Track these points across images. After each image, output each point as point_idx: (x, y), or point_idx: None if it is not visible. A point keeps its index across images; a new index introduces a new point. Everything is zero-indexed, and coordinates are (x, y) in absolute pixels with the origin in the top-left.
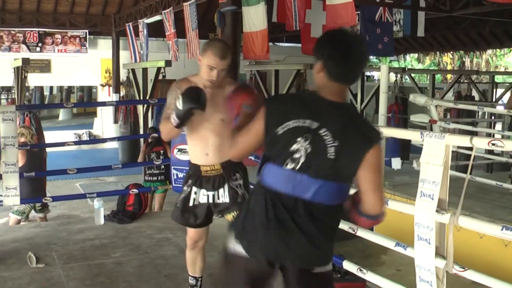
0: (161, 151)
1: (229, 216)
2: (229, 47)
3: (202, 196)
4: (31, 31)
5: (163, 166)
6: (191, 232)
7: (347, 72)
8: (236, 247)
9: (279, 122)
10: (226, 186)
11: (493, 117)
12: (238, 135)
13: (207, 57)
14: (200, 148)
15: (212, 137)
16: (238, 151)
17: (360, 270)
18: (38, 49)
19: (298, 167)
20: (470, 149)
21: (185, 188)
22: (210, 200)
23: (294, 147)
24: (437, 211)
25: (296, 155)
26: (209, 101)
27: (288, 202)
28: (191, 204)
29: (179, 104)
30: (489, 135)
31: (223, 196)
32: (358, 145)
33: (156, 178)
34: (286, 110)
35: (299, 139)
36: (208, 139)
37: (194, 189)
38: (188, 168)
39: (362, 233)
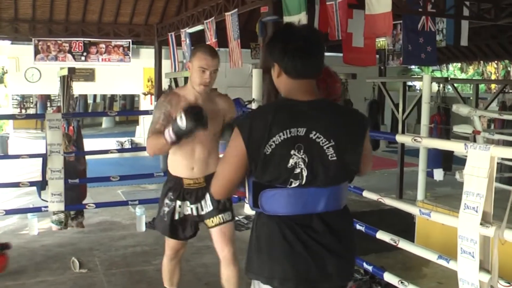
0: None
1: (209, 222)
2: (215, 50)
3: (186, 208)
4: (77, 40)
5: None
6: (173, 243)
7: (307, 64)
8: None
9: (263, 141)
10: (207, 196)
11: None
12: (218, 169)
13: (197, 59)
14: (186, 161)
15: (199, 151)
16: (223, 188)
17: (401, 282)
18: (83, 58)
19: (304, 182)
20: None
21: (167, 201)
22: (194, 213)
23: (291, 162)
24: (481, 224)
25: (297, 170)
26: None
27: (303, 222)
28: (177, 217)
29: (181, 123)
30: None
31: (206, 206)
32: (354, 137)
33: None
34: (265, 126)
35: (292, 152)
36: (195, 153)
37: (178, 202)
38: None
39: (403, 244)
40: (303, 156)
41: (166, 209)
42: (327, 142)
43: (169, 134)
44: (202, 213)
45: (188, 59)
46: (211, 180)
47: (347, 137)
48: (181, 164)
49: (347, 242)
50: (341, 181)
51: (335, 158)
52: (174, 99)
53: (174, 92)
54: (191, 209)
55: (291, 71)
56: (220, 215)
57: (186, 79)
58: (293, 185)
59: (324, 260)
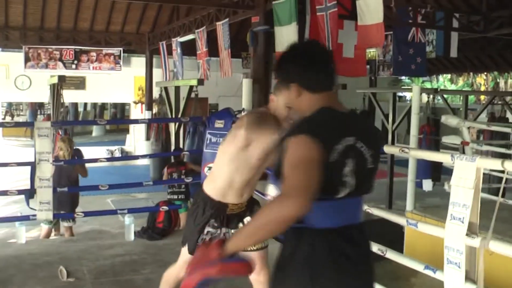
0: (183, 171)
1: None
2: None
3: (230, 235)
4: (68, 48)
5: (183, 185)
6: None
7: (328, 75)
8: None
9: (330, 148)
10: (247, 219)
11: None
12: (298, 178)
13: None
14: (239, 189)
15: (255, 178)
16: (310, 197)
17: None
18: (73, 66)
19: (350, 190)
20: (504, 171)
21: (210, 229)
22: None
23: (345, 170)
24: (467, 234)
25: (347, 179)
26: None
27: (347, 235)
28: None
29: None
30: None
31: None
32: (378, 147)
33: (176, 197)
34: (330, 134)
35: (346, 160)
36: (251, 181)
37: (223, 230)
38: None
39: (391, 255)
40: (353, 165)
41: (208, 237)
42: (368, 151)
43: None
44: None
45: (181, 68)
46: (250, 202)
47: (376, 146)
48: (234, 191)
49: (370, 254)
50: (371, 190)
51: (372, 166)
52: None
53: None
54: (231, 233)
55: (316, 85)
56: None
57: (177, 88)
58: (340, 194)
59: (367, 276)
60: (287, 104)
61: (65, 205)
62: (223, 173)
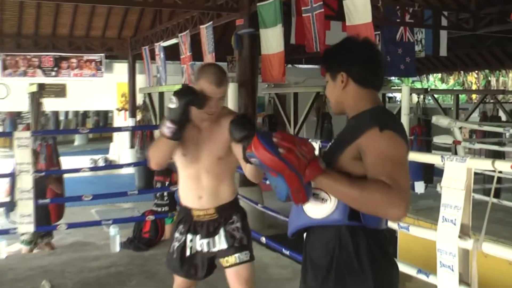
0: (167, 182)
1: (223, 261)
2: (224, 72)
3: (198, 243)
4: (47, 55)
5: (166, 197)
6: (180, 281)
7: (381, 73)
8: None
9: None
10: (221, 231)
11: None
12: (406, 180)
13: (202, 85)
14: (192, 189)
15: (206, 178)
16: (408, 202)
17: None
18: (53, 73)
19: None
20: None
21: (177, 235)
22: (205, 249)
23: None
24: (459, 236)
25: None
26: (205, 137)
27: (387, 238)
28: (188, 253)
29: (173, 102)
30: None
31: (219, 242)
32: None
33: (160, 209)
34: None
35: None
36: (201, 180)
37: (189, 236)
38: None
39: None
40: None
41: (176, 244)
42: None
43: (166, 125)
44: (214, 249)
45: (164, 73)
46: (224, 211)
47: None
48: (188, 192)
49: None
50: None
51: None
52: None
53: None
54: (202, 244)
55: (368, 79)
56: (236, 255)
57: (160, 94)
58: None
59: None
60: (329, 96)
61: (45, 219)
62: (180, 174)
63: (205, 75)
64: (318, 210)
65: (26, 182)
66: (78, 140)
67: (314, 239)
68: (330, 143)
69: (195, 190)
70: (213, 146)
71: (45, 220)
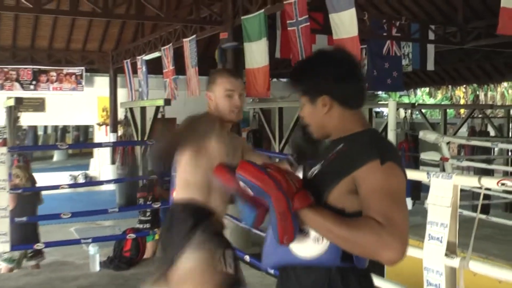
0: (150, 197)
1: None
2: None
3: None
4: (25, 68)
5: (149, 213)
6: None
7: (364, 88)
8: None
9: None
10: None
11: (510, 154)
12: (394, 216)
13: (221, 83)
14: (222, 201)
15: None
16: (406, 244)
17: None
18: (32, 87)
19: None
20: (487, 187)
21: (230, 260)
22: None
23: None
24: (446, 255)
25: None
26: (233, 147)
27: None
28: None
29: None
30: (506, 173)
31: None
32: None
33: (142, 226)
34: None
35: None
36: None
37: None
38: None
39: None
40: None
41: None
42: None
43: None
44: None
45: (146, 88)
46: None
47: None
48: (216, 195)
49: None
50: None
51: None
52: (217, 128)
53: (214, 120)
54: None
55: (353, 99)
56: None
57: (142, 108)
58: None
59: None
60: (308, 120)
61: (32, 237)
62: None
63: (218, 75)
64: (307, 249)
65: (2, 199)
66: (57, 155)
67: (295, 279)
68: (312, 171)
69: (223, 195)
70: (237, 154)
71: (33, 238)
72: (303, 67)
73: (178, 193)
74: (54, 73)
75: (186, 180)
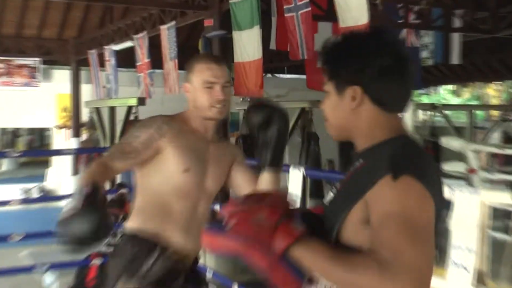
0: (121, 215)
1: None
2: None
3: None
4: None
5: (119, 235)
6: None
7: (411, 87)
8: None
9: (438, 205)
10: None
11: None
12: (413, 254)
13: (199, 72)
14: (182, 219)
15: (200, 211)
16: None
17: None
18: None
19: None
20: None
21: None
22: None
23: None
24: (473, 285)
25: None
26: (212, 152)
27: None
28: None
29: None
30: None
31: None
32: None
33: (110, 251)
34: (435, 180)
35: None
36: (198, 209)
37: None
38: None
39: None
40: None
41: None
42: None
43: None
44: None
45: (114, 84)
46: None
47: None
48: (174, 222)
49: None
50: None
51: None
52: (174, 127)
53: (175, 118)
54: None
55: (393, 98)
56: None
57: (111, 109)
58: None
59: None
60: (328, 114)
61: None
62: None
63: (200, 60)
64: None
65: None
66: (6, 165)
67: None
68: (332, 195)
69: (187, 221)
70: (217, 171)
71: None
72: (337, 45)
73: (129, 220)
74: (2, 65)
75: (137, 204)
